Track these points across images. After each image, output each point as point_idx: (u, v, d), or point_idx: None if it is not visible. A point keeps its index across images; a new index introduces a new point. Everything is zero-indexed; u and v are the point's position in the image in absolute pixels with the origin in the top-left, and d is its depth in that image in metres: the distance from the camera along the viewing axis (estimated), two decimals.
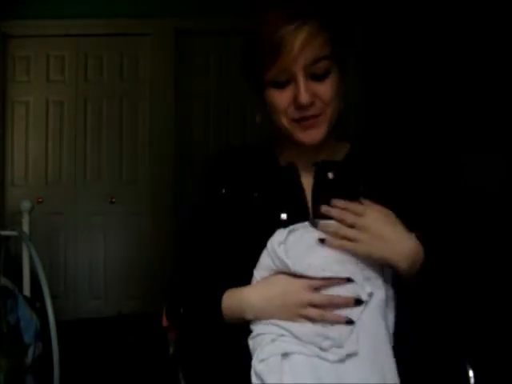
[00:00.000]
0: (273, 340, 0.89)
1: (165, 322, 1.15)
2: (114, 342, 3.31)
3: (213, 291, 0.99)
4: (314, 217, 0.95)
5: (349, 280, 0.88)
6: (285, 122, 0.98)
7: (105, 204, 3.96)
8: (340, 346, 0.86)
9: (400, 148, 1.12)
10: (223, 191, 1.05)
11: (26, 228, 2.13)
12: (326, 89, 0.96)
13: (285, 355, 0.88)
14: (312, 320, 0.88)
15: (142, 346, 3.17)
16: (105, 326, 3.65)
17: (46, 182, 3.96)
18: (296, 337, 0.88)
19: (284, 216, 1.00)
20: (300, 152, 1.04)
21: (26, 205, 2.17)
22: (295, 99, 0.95)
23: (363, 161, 1.06)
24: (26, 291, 2.08)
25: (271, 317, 0.91)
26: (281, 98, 0.97)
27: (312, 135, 0.98)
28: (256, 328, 0.93)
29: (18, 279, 2.08)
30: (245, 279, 0.97)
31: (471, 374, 1.05)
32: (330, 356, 0.86)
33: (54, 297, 2.16)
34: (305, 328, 0.88)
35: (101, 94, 3.97)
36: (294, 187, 1.04)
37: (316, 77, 0.95)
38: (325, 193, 0.95)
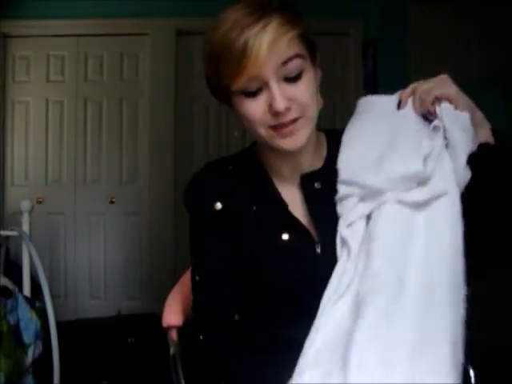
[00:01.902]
0: (359, 200, 0.90)
1: (165, 323, 1.15)
2: (113, 341, 3.31)
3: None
4: (319, 241, 0.94)
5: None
6: (262, 131, 0.90)
7: (105, 204, 3.96)
8: (425, 181, 0.87)
9: None
10: (220, 206, 0.97)
11: (26, 228, 2.13)
12: (301, 90, 0.88)
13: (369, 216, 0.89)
14: None
15: (142, 346, 3.17)
16: (105, 325, 3.65)
17: (45, 182, 3.96)
18: (378, 190, 0.89)
19: (286, 236, 0.94)
20: (283, 158, 0.98)
21: (25, 205, 2.16)
22: (270, 106, 0.87)
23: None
24: (26, 291, 2.08)
25: None
26: (254, 108, 0.88)
27: (293, 142, 0.90)
28: (341, 189, 0.93)
29: (18, 279, 2.08)
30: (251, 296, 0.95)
31: (471, 373, 1.05)
32: (415, 196, 0.87)
33: (54, 297, 2.16)
34: (382, 176, 0.88)
35: (101, 94, 3.97)
36: (279, 203, 0.97)
37: (289, 79, 0.88)
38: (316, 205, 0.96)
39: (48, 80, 3.96)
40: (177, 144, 3.93)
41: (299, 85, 0.88)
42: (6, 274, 2.09)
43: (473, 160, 0.88)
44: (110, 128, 3.98)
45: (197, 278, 0.99)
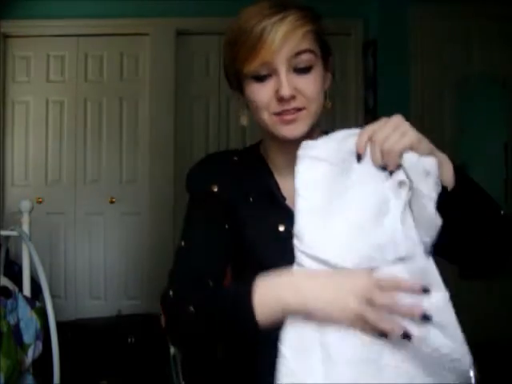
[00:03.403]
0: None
1: (165, 322, 1.15)
2: (113, 342, 3.30)
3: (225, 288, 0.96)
4: None
5: (425, 291, 0.77)
6: (266, 116, 0.96)
7: (105, 204, 3.96)
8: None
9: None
10: (216, 189, 1.04)
11: (25, 228, 2.13)
12: (307, 83, 0.94)
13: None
14: (365, 324, 0.78)
15: (141, 346, 3.17)
16: (105, 325, 3.65)
17: (45, 182, 3.96)
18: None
19: (282, 228, 0.99)
20: (282, 150, 1.03)
21: (25, 205, 2.16)
22: (276, 92, 0.93)
23: None
24: (26, 291, 2.07)
25: (326, 315, 0.80)
26: (262, 92, 0.95)
27: (292, 130, 0.96)
28: (308, 264, 0.85)
29: (18, 279, 2.08)
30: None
31: (471, 373, 1.05)
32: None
33: (53, 297, 2.16)
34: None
35: (101, 94, 3.97)
36: (277, 196, 1.03)
37: (299, 70, 0.93)
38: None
39: (48, 80, 3.96)
40: (177, 144, 3.93)
41: (307, 78, 0.94)
42: (6, 274, 2.09)
43: (442, 206, 0.83)
44: (109, 128, 3.98)
45: (182, 243, 1.03)
